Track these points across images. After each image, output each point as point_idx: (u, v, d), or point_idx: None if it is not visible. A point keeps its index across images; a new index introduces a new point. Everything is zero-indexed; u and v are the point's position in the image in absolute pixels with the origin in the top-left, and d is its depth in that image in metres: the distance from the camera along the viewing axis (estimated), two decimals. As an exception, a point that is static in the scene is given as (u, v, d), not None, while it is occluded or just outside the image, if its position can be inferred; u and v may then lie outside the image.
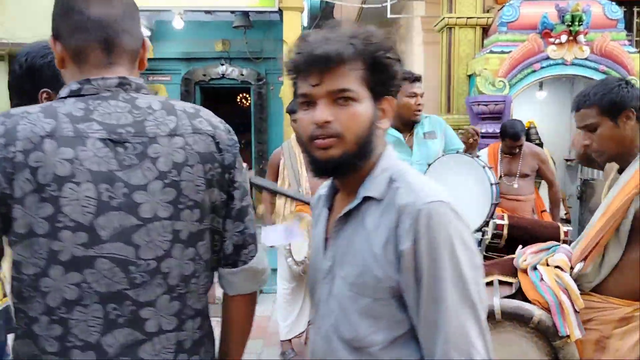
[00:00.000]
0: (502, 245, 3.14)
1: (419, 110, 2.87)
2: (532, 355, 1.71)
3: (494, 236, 2.84)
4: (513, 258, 1.92)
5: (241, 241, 1.11)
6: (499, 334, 1.71)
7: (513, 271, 1.84)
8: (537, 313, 1.65)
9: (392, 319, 0.98)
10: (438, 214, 0.94)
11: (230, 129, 1.14)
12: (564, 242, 2.93)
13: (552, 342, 1.67)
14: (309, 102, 1.00)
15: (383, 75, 1.01)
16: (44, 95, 1.41)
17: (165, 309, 1.00)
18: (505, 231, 2.98)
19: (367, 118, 1.00)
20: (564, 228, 3.25)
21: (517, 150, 4.03)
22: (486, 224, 2.66)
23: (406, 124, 2.91)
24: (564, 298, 1.64)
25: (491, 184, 2.55)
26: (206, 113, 1.12)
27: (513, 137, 3.96)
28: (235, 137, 1.15)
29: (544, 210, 4.27)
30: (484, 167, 2.57)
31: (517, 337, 1.70)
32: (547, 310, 1.65)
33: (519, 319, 1.68)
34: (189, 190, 1.00)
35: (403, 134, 2.92)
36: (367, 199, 1.02)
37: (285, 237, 3.46)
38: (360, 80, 0.98)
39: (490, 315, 1.67)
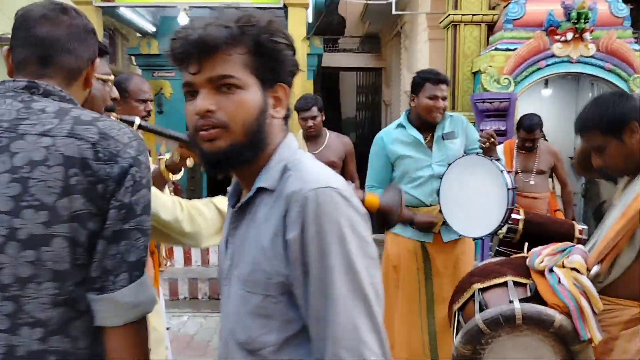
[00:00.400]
0: (516, 240, 3.13)
1: (440, 113, 2.83)
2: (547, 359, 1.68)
3: (508, 230, 2.82)
4: (524, 257, 1.88)
5: (111, 266, 1.01)
6: (515, 338, 1.68)
7: (526, 272, 1.80)
8: (559, 318, 1.60)
9: (283, 318, 0.93)
10: (325, 200, 0.88)
11: (138, 146, 1.07)
12: (579, 240, 2.92)
13: (570, 346, 1.64)
14: (192, 91, 0.95)
15: (271, 61, 0.95)
16: None
17: None
18: (520, 226, 2.96)
19: (255, 106, 0.94)
20: (578, 226, 3.24)
21: (531, 144, 4.03)
22: (500, 227, 2.64)
23: (426, 125, 2.89)
24: (584, 302, 1.61)
25: (508, 189, 2.51)
26: (108, 124, 1.05)
27: (527, 129, 3.96)
28: (142, 157, 1.06)
29: (558, 210, 4.27)
30: (502, 171, 2.54)
31: (534, 341, 1.67)
32: (567, 314, 1.62)
33: (539, 324, 1.64)
34: (37, 190, 0.96)
35: (424, 134, 2.90)
36: (260, 190, 0.97)
37: None
38: (244, 67, 0.93)
39: (511, 319, 1.63)
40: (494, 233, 2.67)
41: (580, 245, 1.81)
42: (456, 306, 1.84)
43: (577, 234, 3.21)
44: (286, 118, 1.02)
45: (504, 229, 2.78)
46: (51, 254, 0.97)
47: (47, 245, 0.97)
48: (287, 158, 0.97)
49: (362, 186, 3.41)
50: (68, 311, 1.01)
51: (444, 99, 2.82)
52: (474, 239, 2.82)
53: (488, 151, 2.63)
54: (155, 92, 7.07)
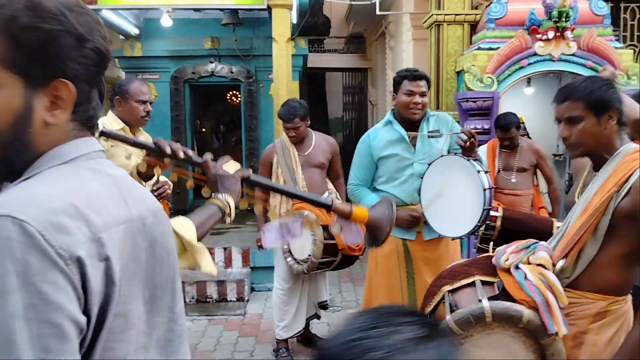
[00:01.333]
0: (494, 237, 3.17)
1: (418, 109, 2.84)
2: (520, 355, 1.70)
3: (487, 227, 2.85)
4: (490, 257, 1.91)
5: None
6: (487, 336, 1.69)
7: (492, 270, 1.82)
8: (527, 313, 1.64)
9: None
10: None
11: None
12: None
13: (540, 340, 1.67)
14: None
15: (36, 52, 0.75)
16: None
17: None
18: (498, 223, 3.00)
19: (8, 111, 0.76)
20: (557, 223, 3.28)
21: (509, 142, 4.07)
22: (478, 228, 2.65)
23: (409, 123, 2.90)
24: (549, 296, 1.65)
25: (484, 189, 2.52)
26: None
27: (503, 128, 4.00)
28: None
29: (542, 207, 4.31)
30: (478, 171, 2.55)
31: (506, 338, 1.69)
32: (535, 309, 1.65)
33: (508, 320, 1.66)
34: None
35: (409, 132, 2.91)
36: None
37: (282, 236, 3.45)
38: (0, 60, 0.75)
39: (481, 318, 1.65)
40: (472, 233, 2.68)
41: (543, 242, 1.84)
42: (428, 310, 1.86)
43: (555, 231, 3.25)
44: (89, 118, 0.85)
45: (484, 227, 2.81)
46: None
47: None
48: (36, 171, 0.79)
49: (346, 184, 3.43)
50: None
51: (422, 95, 2.83)
52: (453, 239, 2.84)
53: (468, 151, 2.63)
54: (140, 95, 7.03)
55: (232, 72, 6.77)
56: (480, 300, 1.69)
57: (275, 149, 3.81)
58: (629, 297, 1.77)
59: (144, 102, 2.90)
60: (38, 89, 0.77)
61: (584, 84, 1.74)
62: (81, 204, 0.73)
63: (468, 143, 2.61)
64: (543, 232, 3.27)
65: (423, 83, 2.84)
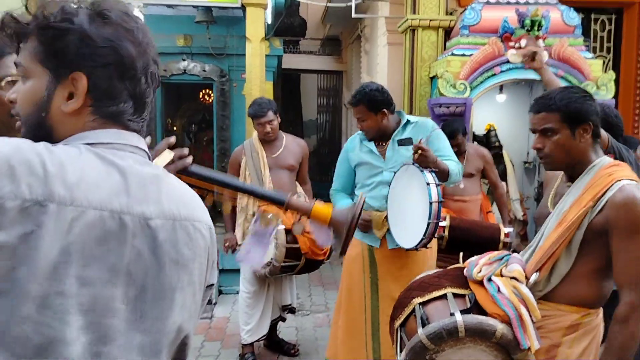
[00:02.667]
0: (443, 245, 3.16)
1: (369, 133, 2.91)
2: None
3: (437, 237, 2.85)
4: (461, 268, 1.88)
5: None
6: (459, 351, 1.65)
7: (464, 282, 1.79)
8: (500, 327, 1.60)
9: None
10: None
11: None
12: (504, 244, 2.96)
13: (512, 355, 1.63)
14: None
15: (54, 47, 0.89)
16: None
17: None
18: (445, 233, 2.99)
19: (33, 98, 0.90)
20: (504, 229, 3.30)
21: (456, 149, 4.08)
22: (424, 241, 2.58)
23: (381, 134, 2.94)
24: (523, 310, 1.62)
25: (430, 203, 2.46)
26: None
27: (449, 136, 4.01)
28: None
29: (490, 211, 4.35)
30: (428, 183, 2.50)
31: (477, 352, 1.66)
32: (507, 323, 1.62)
33: (481, 334, 1.62)
34: None
35: (382, 140, 2.95)
36: None
37: (262, 251, 3.41)
38: (33, 55, 0.90)
39: (453, 332, 1.61)
40: (422, 246, 2.63)
41: (516, 254, 1.82)
42: (397, 322, 1.81)
43: (502, 237, 3.28)
44: (113, 114, 0.93)
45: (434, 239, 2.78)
46: None
47: None
48: None
49: (321, 189, 3.42)
50: None
51: (361, 120, 2.89)
52: (406, 250, 2.78)
53: (422, 162, 2.58)
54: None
55: (204, 71, 6.66)
56: (452, 314, 1.64)
57: (244, 150, 3.75)
58: (601, 310, 1.76)
59: None
60: (60, 80, 0.89)
61: (560, 94, 1.72)
62: (52, 168, 0.78)
63: (416, 155, 2.56)
64: (491, 239, 3.30)
65: (357, 109, 2.88)
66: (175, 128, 8.46)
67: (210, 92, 7.79)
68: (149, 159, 0.97)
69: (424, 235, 2.51)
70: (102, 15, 0.90)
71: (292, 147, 3.78)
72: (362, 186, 2.98)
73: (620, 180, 1.63)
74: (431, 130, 2.91)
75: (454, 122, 4.14)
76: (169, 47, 6.57)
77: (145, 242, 0.87)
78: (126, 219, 0.84)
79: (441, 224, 2.78)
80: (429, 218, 2.47)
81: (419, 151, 2.55)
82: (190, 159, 1.42)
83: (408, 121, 2.94)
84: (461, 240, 2.77)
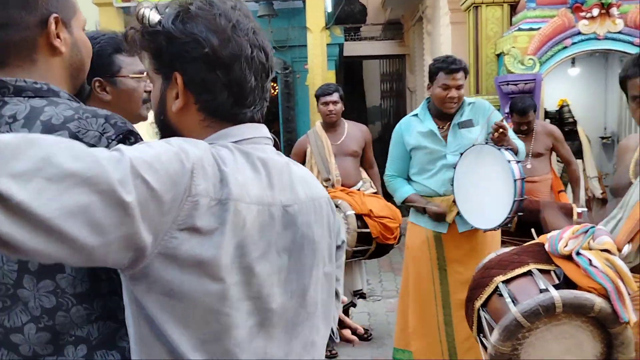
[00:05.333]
0: (513, 228, 3.08)
1: (454, 103, 2.78)
2: (587, 345, 1.62)
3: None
4: (539, 244, 1.82)
5: None
6: (553, 328, 1.61)
7: (546, 258, 1.73)
8: (598, 301, 1.55)
9: None
10: None
11: (93, 128, 0.98)
12: (577, 224, 2.84)
13: (610, 329, 1.58)
14: None
15: (153, 51, 0.94)
16: (97, 83, 1.48)
17: (35, 338, 0.94)
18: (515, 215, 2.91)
19: (154, 101, 0.98)
20: (577, 209, 3.16)
21: (526, 127, 3.94)
22: (509, 220, 2.57)
23: (443, 113, 2.85)
24: (619, 283, 1.56)
25: (514, 180, 2.44)
26: (82, 125, 0.97)
27: (520, 113, 3.88)
28: (107, 131, 0.99)
29: (562, 191, 4.18)
30: (509, 161, 2.47)
31: (573, 328, 1.61)
32: (604, 296, 1.56)
33: (578, 310, 1.57)
34: None
35: (442, 123, 2.87)
36: None
37: None
38: (150, 63, 0.95)
39: (550, 309, 1.56)
40: (504, 225, 2.61)
41: (601, 227, 1.75)
42: (478, 303, 1.77)
43: (575, 217, 3.15)
44: (215, 109, 0.94)
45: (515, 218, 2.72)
46: (66, 280, 0.95)
47: (62, 272, 0.94)
48: None
49: (381, 174, 3.42)
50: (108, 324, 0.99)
51: (457, 88, 2.75)
52: (484, 231, 2.76)
53: (499, 140, 2.55)
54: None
55: (268, 64, 6.81)
56: (543, 290, 1.59)
57: (308, 139, 3.81)
58: None
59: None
60: (168, 82, 0.93)
61: None
62: (226, 168, 0.85)
63: (496, 134, 2.53)
64: (564, 220, 3.17)
65: (460, 75, 2.76)
66: (242, 122, 8.70)
67: (274, 85, 7.93)
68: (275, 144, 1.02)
69: (509, 213, 2.49)
70: (185, 10, 0.91)
71: (354, 133, 3.81)
72: (422, 170, 2.91)
73: None
74: (490, 110, 2.86)
75: (525, 99, 3.98)
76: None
77: (287, 228, 0.93)
78: (273, 210, 0.90)
79: None
80: (514, 196, 2.45)
81: (500, 130, 2.52)
82: None
83: (465, 102, 2.89)
84: (531, 222, 2.70)
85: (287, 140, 6.87)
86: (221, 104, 0.92)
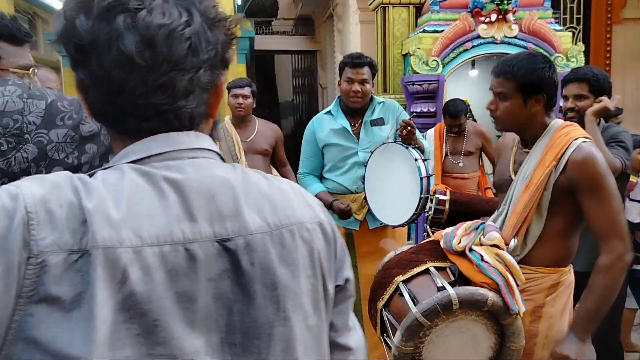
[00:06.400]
0: (444, 220, 3.19)
1: (358, 97, 2.80)
2: (482, 337, 1.68)
3: (436, 211, 2.86)
4: (434, 241, 1.88)
5: None
6: (451, 324, 1.65)
7: (442, 255, 1.79)
8: (490, 295, 1.61)
9: None
10: None
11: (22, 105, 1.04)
12: None
13: (501, 321, 1.65)
14: None
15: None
16: None
17: None
18: (447, 206, 3.01)
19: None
20: None
21: (457, 128, 4.11)
22: (416, 216, 2.64)
23: (353, 110, 2.87)
24: (509, 276, 1.65)
25: (421, 178, 2.50)
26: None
27: (452, 116, 4.04)
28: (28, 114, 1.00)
29: (488, 188, 4.40)
30: (416, 159, 2.53)
31: (469, 323, 1.66)
32: (495, 290, 1.63)
33: (473, 305, 1.62)
34: None
35: (353, 120, 2.88)
36: None
37: None
38: None
39: (448, 306, 1.60)
40: (411, 222, 2.69)
41: (491, 222, 1.85)
42: (380, 304, 1.79)
43: None
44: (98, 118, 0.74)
45: (432, 211, 2.82)
46: None
47: None
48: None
49: (295, 171, 3.39)
50: None
51: (361, 82, 2.77)
52: (393, 227, 2.83)
53: (407, 139, 2.62)
54: (79, 80, 6.69)
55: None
56: (440, 288, 1.64)
57: (217, 134, 3.71)
58: (571, 265, 1.82)
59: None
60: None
61: (520, 62, 1.76)
62: (89, 203, 0.62)
63: (404, 132, 2.59)
64: (490, 213, 3.34)
65: (364, 70, 2.79)
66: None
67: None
68: (220, 158, 0.77)
69: (416, 210, 2.56)
70: None
71: (264, 131, 3.75)
72: (334, 168, 2.93)
73: (576, 139, 1.70)
74: (399, 110, 2.93)
75: (457, 103, 4.09)
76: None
77: (224, 272, 0.68)
78: (194, 249, 0.66)
79: (442, 198, 2.81)
80: (421, 193, 2.52)
81: (408, 127, 2.58)
82: None
83: (376, 101, 2.93)
84: (461, 214, 2.80)
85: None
86: (97, 108, 0.72)
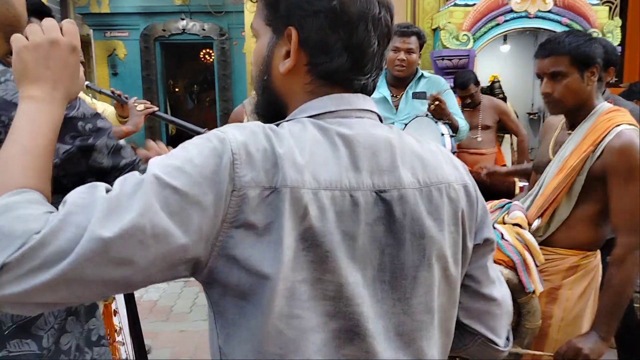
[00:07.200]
0: None
1: (403, 66, 2.80)
2: None
3: None
4: None
5: None
6: None
7: None
8: (505, 272, 1.63)
9: None
10: None
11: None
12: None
13: (517, 298, 1.66)
14: None
15: (277, 4, 0.82)
16: None
17: None
18: None
19: (259, 57, 0.86)
20: (519, 184, 3.33)
21: (470, 100, 4.06)
22: None
23: (397, 80, 2.87)
24: (527, 255, 1.65)
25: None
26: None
27: (461, 86, 4.01)
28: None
29: (504, 165, 4.36)
30: (442, 134, 2.54)
31: None
32: (512, 268, 1.65)
33: None
34: None
35: (397, 92, 2.88)
36: None
37: None
38: (260, 13, 0.85)
39: None
40: None
41: (517, 202, 1.84)
42: None
43: (517, 191, 3.32)
44: (328, 73, 0.81)
45: None
46: None
47: None
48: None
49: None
50: None
51: (407, 51, 2.77)
52: None
53: (436, 113, 2.62)
54: (109, 54, 6.81)
55: (204, 30, 6.58)
56: None
57: (244, 109, 3.73)
58: (598, 252, 1.80)
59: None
60: (278, 38, 0.82)
61: (568, 38, 1.71)
62: (281, 150, 0.72)
63: (432, 107, 2.59)
64: (506, 192, 3.32)
65: (412, 39, 2.78)
66: (177, 89, 8.42)
67: (210, 51, 7.70)
68: (380, 120, 0.86)
69: None
70: None
71: None
72: None
73: (619, 125, 1.65)
74: (444, 87, 2.92)
75: (464, 73, 4.09)
76: (167, 7, 6.48)
77: (379, 218, 0.77)
78: (357, 196, 0.75)
79: None
80: None
81: (436, 102, 2.57)
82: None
83: (422, 75, 2.92)
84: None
85: (223, 109, 6.74)
86: (337, 69, 0.80)
